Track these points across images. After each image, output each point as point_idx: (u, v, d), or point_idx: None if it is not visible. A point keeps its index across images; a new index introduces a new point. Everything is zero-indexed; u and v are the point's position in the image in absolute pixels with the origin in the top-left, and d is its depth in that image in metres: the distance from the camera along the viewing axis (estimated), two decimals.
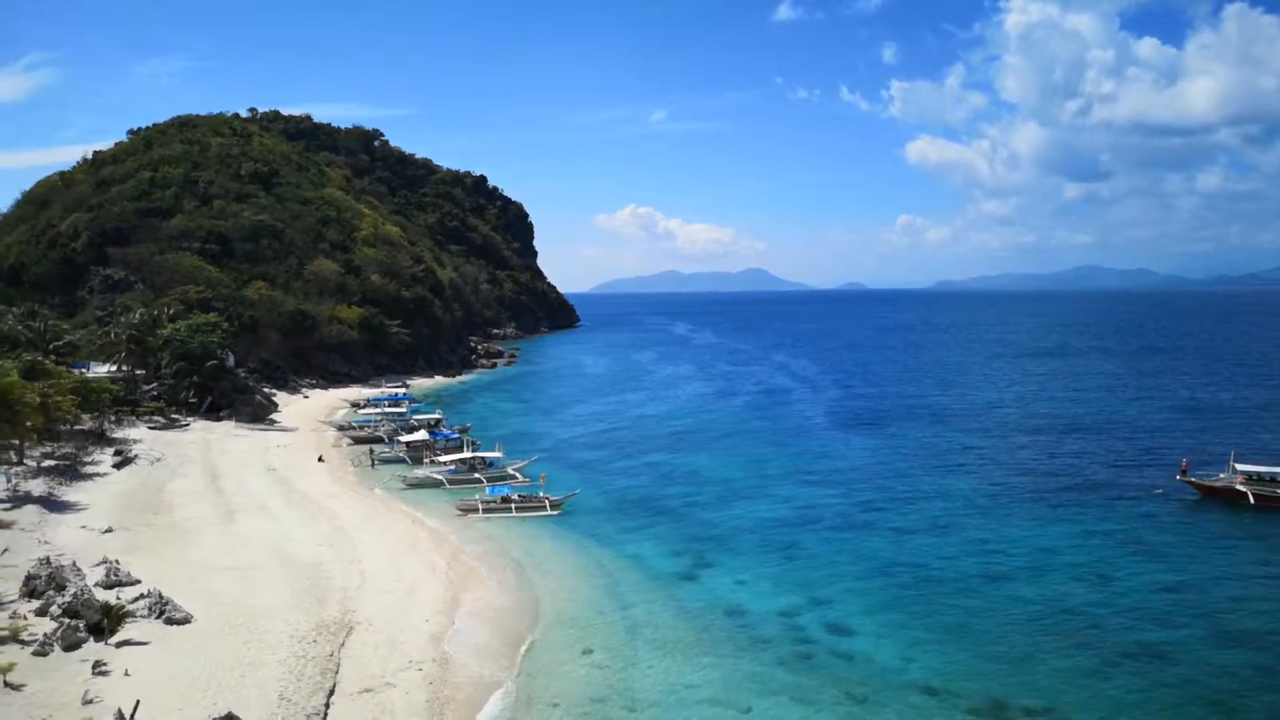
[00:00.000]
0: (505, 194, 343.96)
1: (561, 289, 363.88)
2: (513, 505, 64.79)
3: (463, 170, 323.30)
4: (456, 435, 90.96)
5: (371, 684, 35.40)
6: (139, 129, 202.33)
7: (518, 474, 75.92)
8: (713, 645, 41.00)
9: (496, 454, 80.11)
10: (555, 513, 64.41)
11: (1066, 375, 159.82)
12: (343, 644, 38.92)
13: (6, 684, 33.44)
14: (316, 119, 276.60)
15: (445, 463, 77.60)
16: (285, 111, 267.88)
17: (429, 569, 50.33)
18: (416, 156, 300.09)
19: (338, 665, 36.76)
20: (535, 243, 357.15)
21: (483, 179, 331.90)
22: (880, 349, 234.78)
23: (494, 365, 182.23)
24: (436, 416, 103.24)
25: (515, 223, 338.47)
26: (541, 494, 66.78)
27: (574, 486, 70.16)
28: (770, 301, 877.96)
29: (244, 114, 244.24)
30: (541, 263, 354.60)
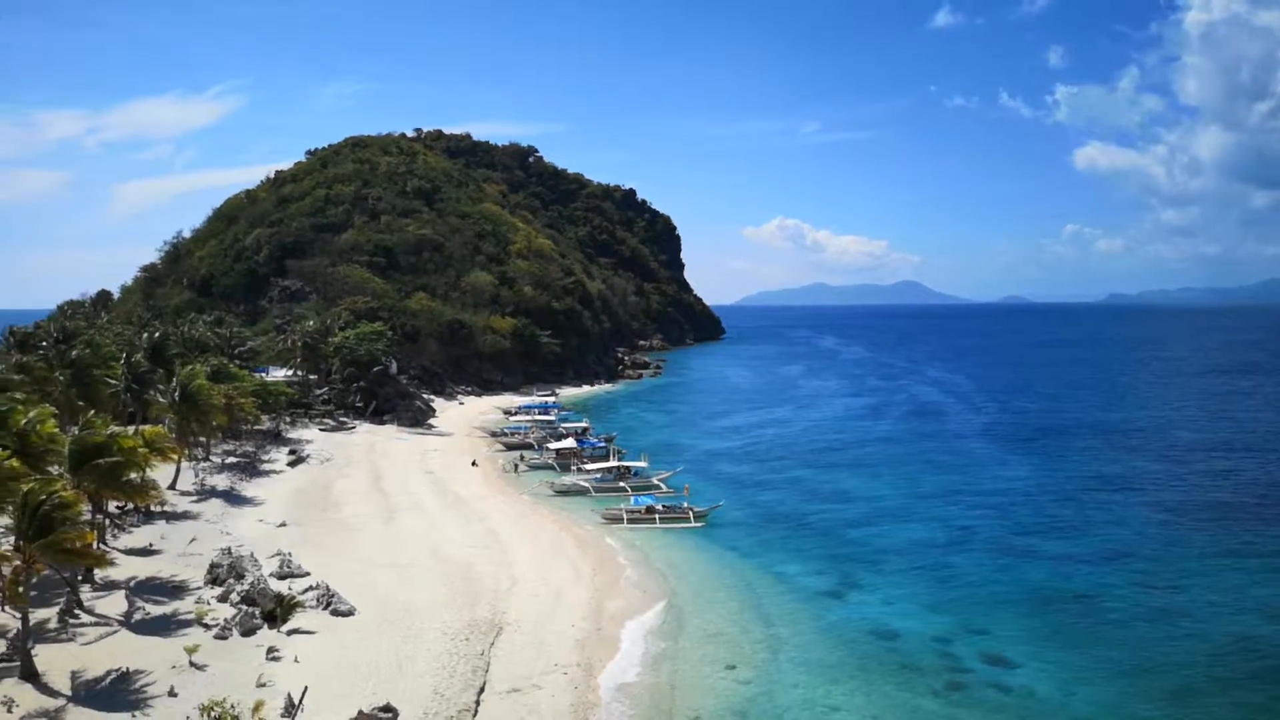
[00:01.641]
0: (653, 207, 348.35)
1: (707, 301, 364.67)
2: (657, 515, 65.12)
3: (613, 184, 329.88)
4: (603, 444, 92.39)
5: (519, 684, 36.30)
6: (316, 149, 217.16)
7: (662, 484, 76.34)
8: (859, 668, 39.82)
9: (642, 464, 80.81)
10: (699, 524, 64.34)
11: (1251, 395, 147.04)
12: (492, 643, 40.11)
13: (192, 664, 36.29)
14: (476, 137, 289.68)
15: (592, 471, 78.91)
16: (447, 130, 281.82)
17: (575, 575, 51.25)
18: (569, 171, 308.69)
19: (488, 664, 37.91)
20: (682, 255, 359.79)
21: (632, 192, 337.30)
22: (1043, 365, 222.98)
23: (640, 376, 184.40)
24: (584, 425, 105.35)
25: (663, 235, 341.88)
26: (685, 505, 66.84)
27: (718, 499, 69.87)
28: (925, 315, 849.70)
29: (410, 133, 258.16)
30: (688, 275, 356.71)
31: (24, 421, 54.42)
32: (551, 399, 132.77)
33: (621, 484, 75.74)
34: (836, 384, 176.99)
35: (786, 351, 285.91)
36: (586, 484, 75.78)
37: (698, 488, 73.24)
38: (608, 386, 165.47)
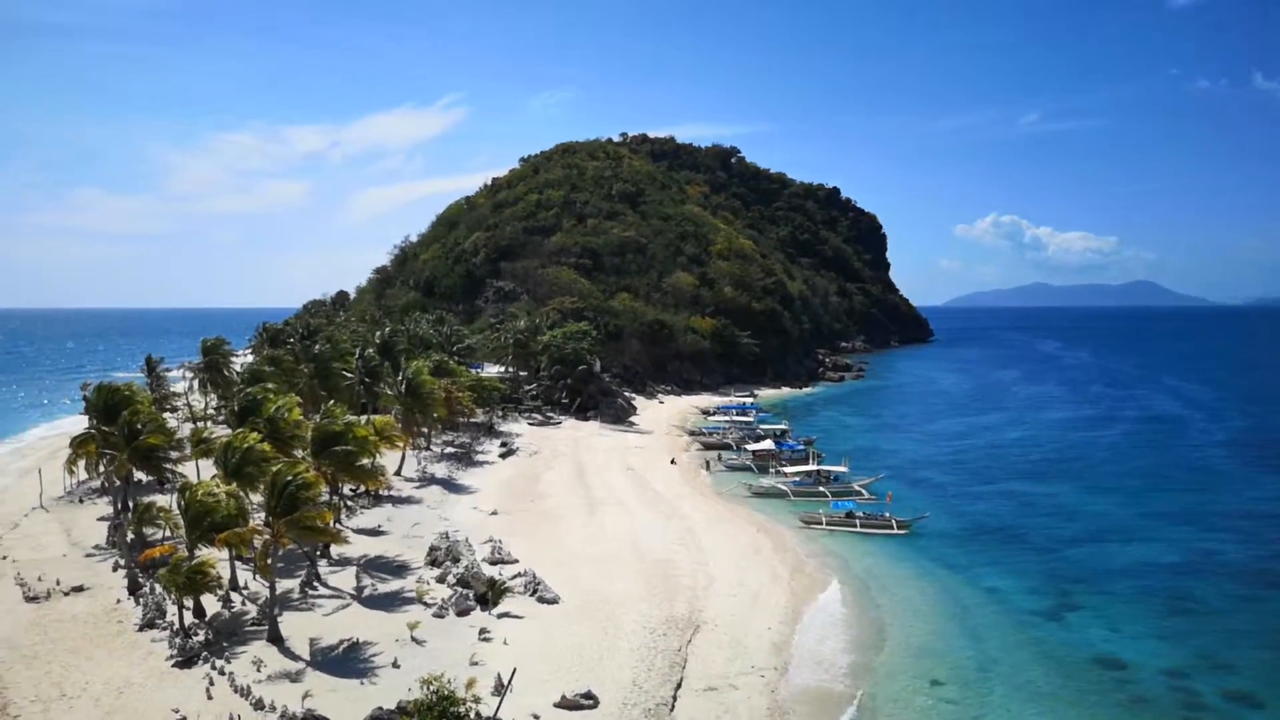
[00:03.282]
0: (858, 205, 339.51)
1: (914, 302, 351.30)
2: (857, 521, 63.40)
3: (815, 183, 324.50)
4: (802, 447, 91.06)
5: (715, 683, 36.38)
6: (528, 156, 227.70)
7: (864, 490, 74.27)
8: (1079, 696, 36.95)
9: (842, 468, 78.97)
10: (902, 533, 62.01)
11: None
12: (689, 640, 40.45)
13: (413, 639, 39.01)
14: (680, 140, 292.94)
15: (790, 474, 77.95)
16: (652, 134, 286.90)
17: (772, 577, 50.78)
18: (770, 171, 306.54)
19: (684, 660, 38.26)
20: (888, 254, 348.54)
21: (835, 191, 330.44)
22: None
23: (841, 378, 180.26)
24: (783, 427, 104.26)
25: (867, 234, 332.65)
26: (888, 513, 64.64)
27: (923, 508, 67.09)
28: (1160, 318, 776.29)
29: (616, 138, 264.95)
30: (894, 275, 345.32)
31: (274, 409, 60.72)
32: (750, 400, 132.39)
33: (821, 488, 74.35)
34: (1057, 391, 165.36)
35: (1000, 355, 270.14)
36: (784, 487, 74.94)
37: (901, 496, 70.70)
38: (807, 389, 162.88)
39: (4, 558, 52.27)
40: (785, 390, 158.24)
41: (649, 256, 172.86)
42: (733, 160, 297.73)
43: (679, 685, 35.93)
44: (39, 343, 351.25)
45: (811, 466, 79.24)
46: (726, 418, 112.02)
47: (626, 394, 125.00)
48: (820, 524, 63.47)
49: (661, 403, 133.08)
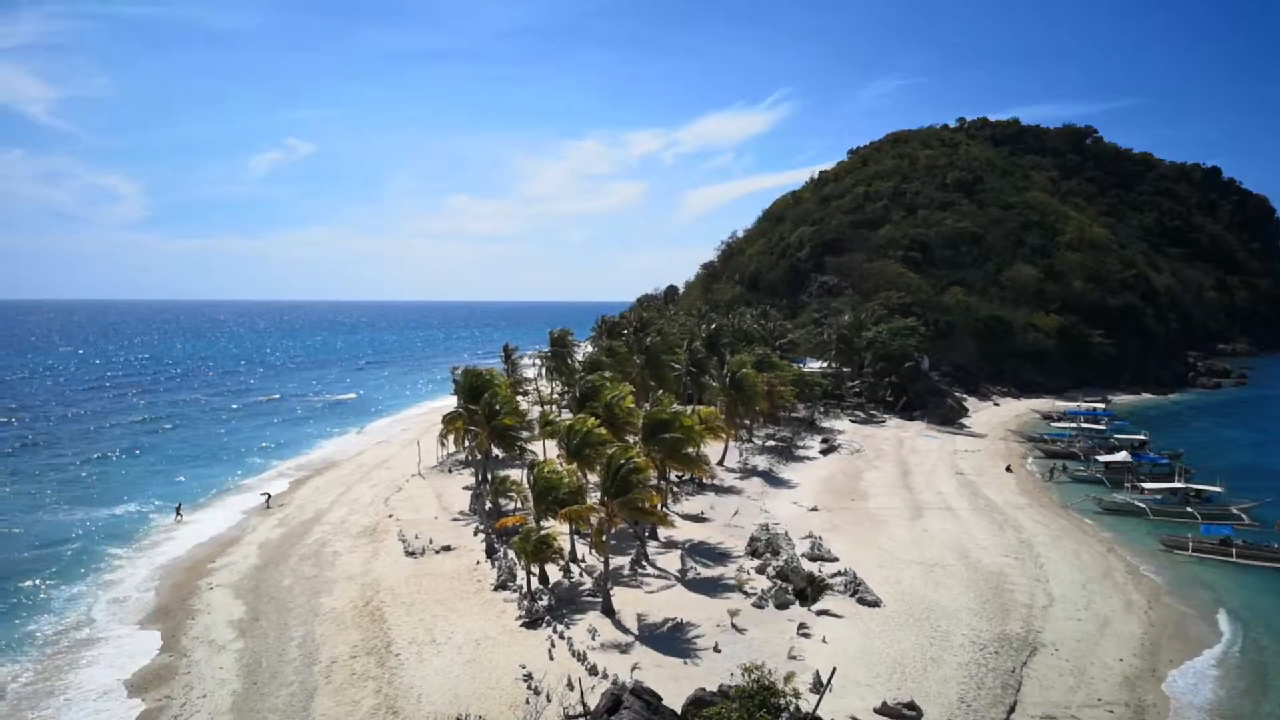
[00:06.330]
0: (1244, 187, 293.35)
1: None
2: (1234, 550, 54.90)
3: (1190, 163, 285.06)
4: (1166, 461, 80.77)
5: (1054, 712, 33.27)
6: (857, 148, 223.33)
7: (1243, 514, 64.26)
8: None
9: (1215, 489, 68.96)
10: None
11: None
12: (1025, 662, 37.38)
13: (733, 625, 39.81)
14: (1024, 122, 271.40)
15: (1149, 490, 69.42)
16: (993, 118, 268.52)
17: (1124, 604, 45.47)
18: (1132, 152, 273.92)
19: (1019, 683, 35.41)
20: None
21: (1215, 171, 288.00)
22: None
23: (1217, 385, 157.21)
24: (1141, 438, 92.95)
25: (1255, 220, 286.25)
26: (1277, 545, 55.32)
27: None
28: None
29: (952, 124, 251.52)
30: None
31: (610, 396, 65.01)
32: (1101, 406, 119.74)
33: (1188, 509, 65.36)
34: None
35: None
36: (1142, 505, 66.86)
37: None
38: (1173, 395, 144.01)
39: (390, 516, 61.07)
40: (1145, 396, 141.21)
41: (986, 248, 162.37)
42: (1087, 141, 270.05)
43: (1012, 709, 33.30)
44: (419, 330, 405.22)
45: (1177, 484, 70.05)
46: (1073, 424, 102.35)
47: (956, 394, 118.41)
48: (1186, 549, 55.81)
49: (996, 405, 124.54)
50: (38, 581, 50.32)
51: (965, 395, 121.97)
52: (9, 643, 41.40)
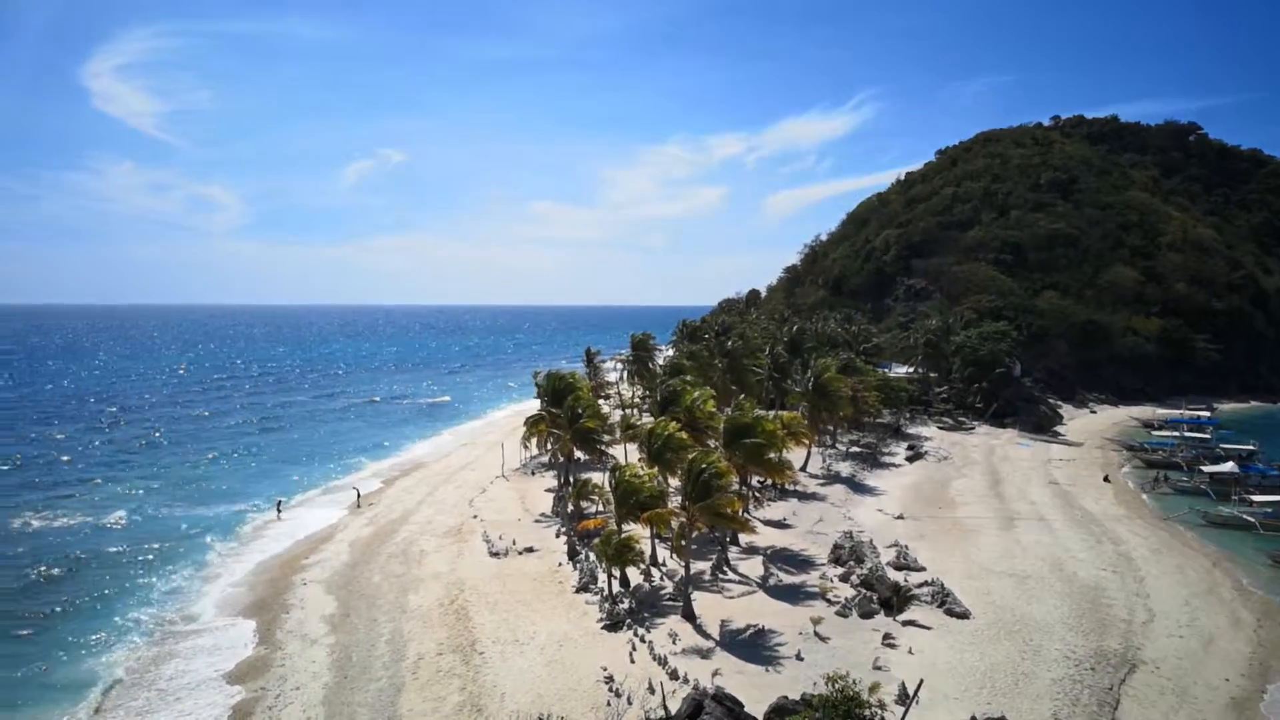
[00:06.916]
0: None
1: None
2: None
3: None
4: (1276, 473, 76.60)
5: None
6: (945, 148, 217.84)
7: None
8: None
9: None
10: None
11: None
12: (1123, 680, 35.89)
13: (816, 634, 39.27)
14: (1123, 119, 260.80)
15: (1259, 503, 65.92)
16: (1089, 115, 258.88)
17: (1232, 622, 43.28)
18: (1241, 149, 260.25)
19: (1117, 701, 34.03)
20: None
21: None
22: None
23: None
24: (1250, 448, 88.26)
25: None
26: None
27: None
28: None
29: (1046, 123, 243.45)
30: None
31: (691, 400, 64.90)
32: (1206, 414, 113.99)
33: None
34: None
35: None
36: (1252, 518, 63.54)
37: None
38: None
39: (475, 516, 62.20)
40: (1255, 404, 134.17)
41: (1081, 250, 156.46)
42: (1190, 138, 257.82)
43: None
44: (507, 335, 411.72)
45: None
46: (1175, 433, 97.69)
47: (1050, 400, 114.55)
48: None
49: (1093, 412, 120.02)
50: (147, 574, 52.88)
51: (1060, 402, 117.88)
52: (119, 630, 43.70)
